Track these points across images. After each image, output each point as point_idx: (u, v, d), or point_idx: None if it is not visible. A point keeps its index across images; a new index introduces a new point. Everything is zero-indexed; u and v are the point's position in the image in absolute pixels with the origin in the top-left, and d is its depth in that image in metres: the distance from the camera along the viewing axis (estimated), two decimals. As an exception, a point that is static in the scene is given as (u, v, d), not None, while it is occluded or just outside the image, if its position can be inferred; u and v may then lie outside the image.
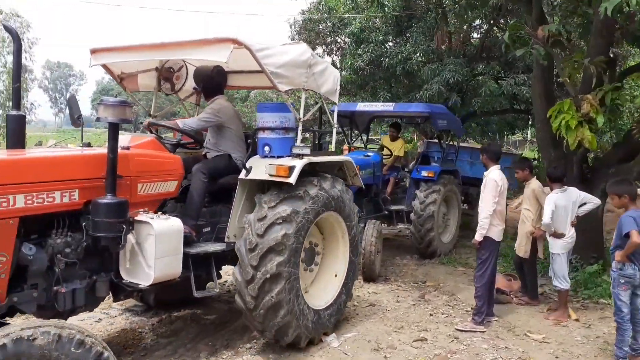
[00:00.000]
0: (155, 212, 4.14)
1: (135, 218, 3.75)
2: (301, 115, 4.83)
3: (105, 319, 5.11)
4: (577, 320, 5.50)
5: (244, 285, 4.24)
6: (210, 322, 5.16)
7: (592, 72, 6.49)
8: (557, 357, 4.52)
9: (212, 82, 5.06)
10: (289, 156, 4.65)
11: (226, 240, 4.57)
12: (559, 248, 5.72)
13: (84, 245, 3.61)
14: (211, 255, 4.47)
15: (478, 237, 5.25)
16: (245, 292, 4.25)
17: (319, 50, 20.67)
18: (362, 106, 8.46)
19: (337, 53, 18.99)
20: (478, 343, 4.79)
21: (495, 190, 5.17)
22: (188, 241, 4.27)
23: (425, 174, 8.20)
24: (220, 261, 4.72)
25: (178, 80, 5.68)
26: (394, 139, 8.79)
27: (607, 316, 5.57)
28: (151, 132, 4.90)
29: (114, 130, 3.59)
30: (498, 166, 5.41)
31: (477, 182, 9.75)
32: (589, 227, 7.25)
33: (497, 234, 5.28)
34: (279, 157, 4.68)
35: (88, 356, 2.90)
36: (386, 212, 8.19)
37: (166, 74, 5.52)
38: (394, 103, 8.67)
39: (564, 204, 5.76)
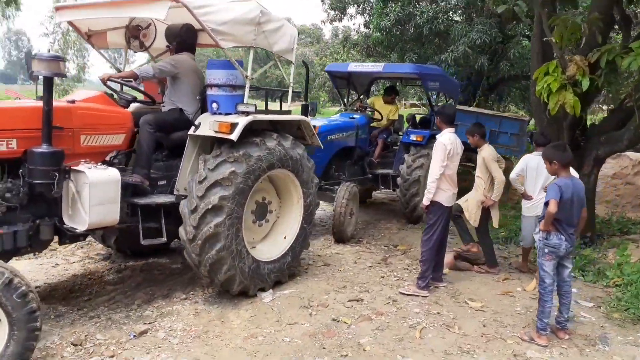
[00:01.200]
0: (103, 163, 4.40)
1: (73, 167, 3.97)
2: (249, 73, 4.87)
3: (62, 265, 5.46)
4: (534, 288, 5.36)
5: (188, 243, 4.46)
6: (161, 273, 5.41)
7: (585, 32, 6.12)
8: (484, 326, 4.45)
9: (181, 39, 5.15)
10: (237, 114, 4.73)
11: (175, 193, 4.76)
12: (526, 210, 5.79)
13: (24, 191, 3.87)
14: (161, 207, 4.65)
15: (425, 201, 5.17)
16: (189, 250, 4.47)
17: (351, 9, 20.28)
18: (354, 66, 8.30)
19: (369, 13, 18.56)
20: (412, 307, 4.79)
21: (444, 154, 5.03)
22: (140, 190, 4.54)
23: (414, 138, 8.04)
24: (175, 212, 4.78)
25: (145, 38, 5.79)
26: (388, 102, 8.60)
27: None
28: (105, 84, 5.06)
29: (48, 83, 3.80)
30: (452, 129, 5.25)
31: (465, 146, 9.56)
32: None
33: (446, 198, 5.16)
34: (227, 114, 4.78)
35: (13, 294, 3.18)
36: (370, 176, 8.12)
37: (134, 32, 5.64)
38: (383, 64, 8.45)
39: (536, 166, 5.65)
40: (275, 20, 5.16)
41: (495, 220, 5.86)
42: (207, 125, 4.69)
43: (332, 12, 20.29)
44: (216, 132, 4.60)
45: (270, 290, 4.95)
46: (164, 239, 4.70)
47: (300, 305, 4.69)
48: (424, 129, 8.39)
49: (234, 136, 4.50)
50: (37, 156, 3.81)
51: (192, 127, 4.79)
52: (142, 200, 4.54)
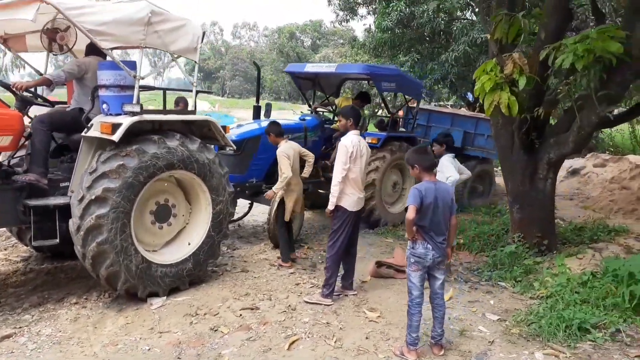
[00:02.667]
0: None
1: None
2: (139, 73, 4.85)
3: None
4: (448, 299, 5.07)
5: (74, 235, 4.49)
6: (67, 276, 5.44)
7: (524, 28, 5.81)
8: (366, 338, 4.21)
9: (90, 42, 5.18)
10: (125, 114, 4.72)
11: (69, 194, 4.77)
12: None
13: None
14: (55, 208, 4.67)
15: (330, 205, 4.98)
16: (75, 241, 4.50)
17: (362, 10, 20.11)
18: (310, 67, 8.16)
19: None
20: (304, 317, 4.61)
21: (346, 157, 4.83)
22: (38, 190, 4.58)
23: (369, 140, 7.80)
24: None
25: (64, 40, 5.85)
26: (359, 106, 8.37)
27: (482, 299, 5.10)
28: (12, 91, 5.15)
29: None
30: (357, 132, 5.04)
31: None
32: (536, 202, 6.58)
33: (350, 203, 4.95)
34: (117, 114, 4.78)
35: None
36: (322, 179, 7.93)
37: (51, 35, 5.66)
38: (336, 64, 8.23)
39: (455, 166, 5.85)
40: (172, 20, 5.10)
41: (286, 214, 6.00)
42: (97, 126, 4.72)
43: (341, 13, 20.21)
44: (101, 132, 4.61)
45: (163, 297, 4.88)
46: (57, 240, 4.70)
47: (186, 313, 4.60)
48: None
49: (115, 137, 4.50)
50: None
51: (85, 129, 4.81)
52: (34, 202, 4.59)
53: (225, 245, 6.90)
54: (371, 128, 10.41)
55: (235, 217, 8.09)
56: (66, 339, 4.07)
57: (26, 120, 5.02)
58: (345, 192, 4.92)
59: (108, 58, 5.09)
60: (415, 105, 8.74)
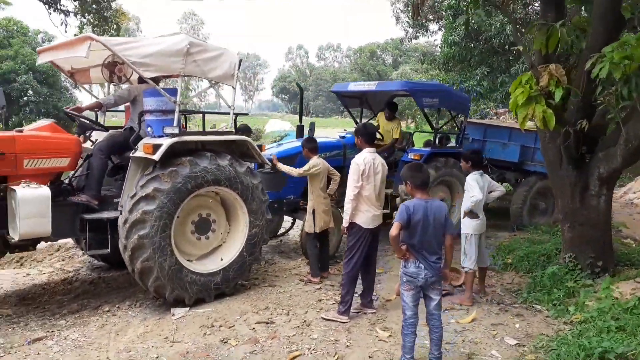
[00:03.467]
0: (52, 183, 5.06)
1: (10, 186, 4.62)
2: (177, 99, 5.22)
3: (33, 274, 6.26)
4: (470, 321, 4.85)
5: (121, 227, 4.93)
6: (108, 285, 5.86)
7: (563, 38, 5.53)
8: (370, 357, 4.14)
9: None
10: (166, 136, 5.12)
11: (119, 209, 5.22)
12: (472, 229, 5.44)
13: None
14: (107, 221, 5.13)
15: (344, 222, 4.99)
16: (120, 233, 4.94)
17: (434, 26, 19.91)
18: (353, 86, 8.24)
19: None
20: (315, 333, 4.61)
21: (357, 174, 4.83)
22: (88, 208, 5.08)
23: (412, 157, 7.69)
24: None
25: (121, 72, 6.44)
26: (388, 119, 8.32)
27: (508, 322, 4.81)
28: (72, 119, 5.75)
29: None
30: (371, 149, 5.02)
31: (513, 166, 8.79)
32: (589, 220, 6.13)
33: (365, 220, 4.92)
34: (159, 136, 5.19)
35: None
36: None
37: (110, 67, 6.29)
38: (377, 82, 8.20)
39: (482, 185, 5.46)
40: (210, 50, 5.48)
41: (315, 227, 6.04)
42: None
43: (411, 30, 20.12)
44: (145, 153, 5.02)
45: (186, 309, 5.11)
46: (108, 250, 5.21)
47: (202, 324, 4.78)
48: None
49: (156, 156, 4.91)
50: None
51: (133, 150, 5.25)
52: (89, 216, 5.10)
53: (264, 259, 7.10)
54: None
55: (280, 232, 8.32)
56: (88, 344, 4.41)
57: (86, 144, 5.59)
58: (360, 209, 4.91)
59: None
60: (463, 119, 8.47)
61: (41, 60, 5.57)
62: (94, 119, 6.06)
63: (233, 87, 5.79)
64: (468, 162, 5.60)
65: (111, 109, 6.28)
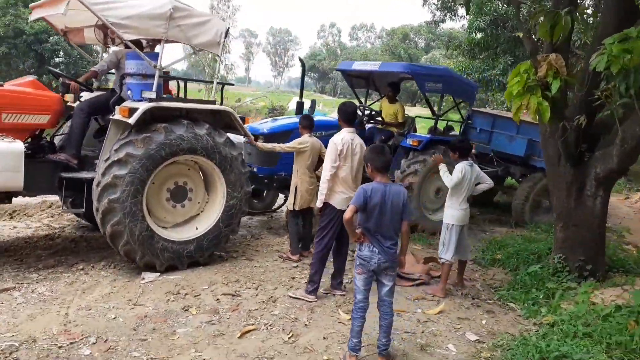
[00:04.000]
0: (32, 140, 5.11)
1: None
2: (159, 64, 5.17)
3: (20, 228, 6.37)
4: (437, 313, 4.76)
5: (94, 189, 4.98)
6: (89, 244, 5.94)
7: (567, 26, 5.28)
8: (325, 338, 4.10)
9: None
10: (144, 101, 5.10)
11: (97, 170, 5.25)
12: (454, 219, 5.32)
13: None
14: (85, 182, 5.18)
15: (318, 203, 4.92)
16: (93, 196, 4.99)
17: (462, 10, 19.35)
18: (357, 65, 8.07)
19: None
20: (277, 309, 4.59)
21: (334, 154, 4.74)
22: (68, 167, 5.12)
23: (410, 142, 7.53)
24: None
25: (114, 34, 6.44)
26: (391, 100, 8.12)
27: (475, 318, 4.70)
28: (56, 77, 5.78)
29: None
30: (350, 129, 4.90)
31: (519, 160, 8.55)
32: (583, 222, 5.94)
33: (339, 201, 4.83)
34: (138, 100, 5.17)
35: None
36: (358, 179, 7.76)
37: (103, 29, 6.30)
38: (380, 62, 7.99)
39: (468, 176, 5.32)
40: (196, 16, 5.38)
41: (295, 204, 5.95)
42: None
43: (438, 13, 19.58)
44: (121, 116, 5.02)
45: (157, 274, 5.15)
46: (82, 209, 5.33)
47: (168, 290, 4.80)
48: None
49: (131, 120, 4.88)
50: None
51: (113, 113, 5.25)
52: (67, 174, 5.16)
53: (250, 233, 7.10)
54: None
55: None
56: (52, 298, 4.48)
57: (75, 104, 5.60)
58: (335, 189, 4.82)
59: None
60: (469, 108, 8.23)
61: (33, 16, 5.57)
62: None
63: (218, 56, 5.70)
64: (455, 151, 5.43)
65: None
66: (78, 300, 4.48)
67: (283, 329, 4.21)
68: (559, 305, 4.86)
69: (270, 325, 4.28)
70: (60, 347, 3.66)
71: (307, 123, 6.00)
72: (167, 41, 5.27)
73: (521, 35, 5.56)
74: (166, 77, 5.85)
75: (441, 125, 8.56)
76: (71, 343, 3.73)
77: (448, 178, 5.26)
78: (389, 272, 3.63)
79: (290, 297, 4.92)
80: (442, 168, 5.42)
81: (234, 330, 4.14)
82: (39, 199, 7.11)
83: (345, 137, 4.81)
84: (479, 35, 15.65)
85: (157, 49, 6.21)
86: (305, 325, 4.34)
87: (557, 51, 5.31)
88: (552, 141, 6.20)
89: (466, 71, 16.05)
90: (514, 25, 14.16)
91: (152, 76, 5.21)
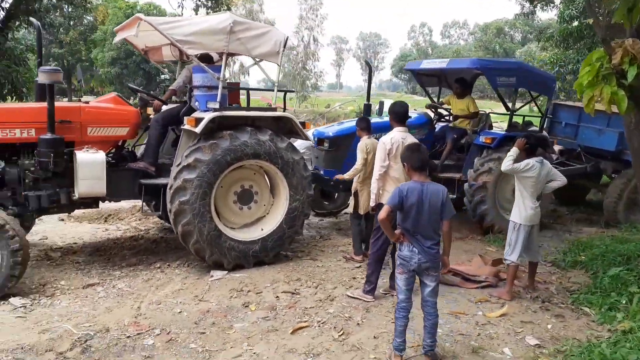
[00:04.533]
0: (114, 149, 5.70)
1: (75, 151, 5.29)
2: (221, 75, 5.52)
3: (111, 230, 7.02)
4: (499, 315, 4.57)
5: (168, 192, 5.40)
6: (168, 245, 6.40)
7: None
8: (375, 337, 4.11)
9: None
10: (209, 110, 5.47)
11: (170, 175, 5.70)
12: (521, 218, 5.07)
13: (37, 167, 5.31)
14: (161, 187, 5.67)
15: (371, 202, 4.94)
16: (167, 198, 5.42)
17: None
18: (425, 63, 7.93)
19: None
20: (332, 308, 4.66)
21: (384, 154, 4.73)
22: (145, 174, 5.66)
23: (483, 140, 7.26)
24: None
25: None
26: (460, 96, 7.85)
27: (540, 322, 4.45)
28: (135, 93, 6.34)
29: (49, 89, 5.11)
30: (402, 128, 4.86)
31: (610, 155, 7.95)
32: None
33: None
34: (205, 111, 5.57)
35: (3, 235, 4.57)
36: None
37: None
38: (449, 59, 7.75)
39: (536, 173, 5.02)
40: (255, 28, 5.67)
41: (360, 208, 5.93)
42: None
43: (528, 5, 18.62)
44: (188, 126, 5.41)
45: (224, 272, 5.45)
46: (159, 212, 5.82)
47: (232, 288, 5.07)
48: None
49: (198, 129, 5.26)
50: (41, 141, 5.16)
51: (184, 123, 5.67)
52: (145, 181, 5.67)
53: (320, 234, 7.25)
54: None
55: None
56: (129, 293, 4.93)
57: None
58: (387, 189, 4.81)
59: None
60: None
61: (117, 39, 6.15)
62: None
63: (278, 65, 5.91)
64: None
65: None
66: (151, 296, 4.88)
67: (335, 327, 4.28)
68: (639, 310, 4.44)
69: (323, 322, 4.37)
70: (128, 337, 4.02)
71: (365, 125, 6.01)
72: (230, 54, 5.57)
73: (591, 21, 5.17)
74: (229, 87, 6.16)
75: (520, 120, 8.15)
76: (138, 334, 4.08)
77: (509, 161, 4.99)
78: (431, 273, 3.57)
79: (348, 296, 4.97)
80: (513, 151, 5.14)
81: (287, 327, 4.28)
82: (130, 204, 7.80)
83: (395, 136, 4.79)
84: (573, 24, 14.64)
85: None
86: (358, 324, 4.37)
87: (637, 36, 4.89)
88: (637, 133, 5.69)
89: (559, 63, 15.08)
90: (610, 11, 13.08)
91: (217, 87, 5.53)
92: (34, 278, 5.20)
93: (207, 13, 17.75)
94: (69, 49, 35.99)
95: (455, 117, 7.76)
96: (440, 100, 8.49)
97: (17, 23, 14.97)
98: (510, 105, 7.43)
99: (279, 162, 5.61)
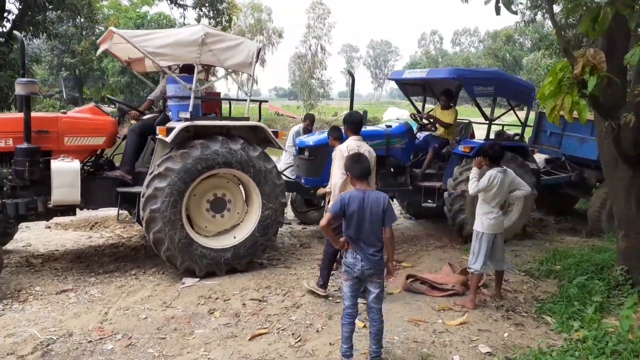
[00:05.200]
0: (94, 158, 5.86)
1: (52, 160, 5.44)
2: (193, 86, 5.67)
3: (94, 238, 7.18)
4: (458, 324, 4.62)
5: (141, 200, 5.52)
6: (147, 253, 6.53)
7: (606, 18, 5.00)
8: (331, 344, 4.18)
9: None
10: (179, 120, 5.61)
11: (145, 185, 5.84)
12: (484, 227, 5.12)
13: (14, 175, 5.46)
14: (137, 195, 5.81)
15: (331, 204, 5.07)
16: (139, 205, 5.55)
17: (557, 7, 18.19)
18: (407, 73, 8.02)
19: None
20: (296, 315, 4.75)
21: (341, 161, 4.83)
22: (122, 182, 5.81)
23: (462, 149, 7.32)
24: None
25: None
26: (444, 107, 7.94)
27: (498, 330, 4.50)
28: (113, 104, 6.51)
29: (26, 100, 5.28)
30: (357, 137, 5.05)
31: (593, 164, 7.96)
32: None
33: None
34: (178, 120, 5.71)
35: None
36: (409, 188, 7.67)
37: None
38: (428, 69, 7.83)
39: (499, 182, 5.09)
40: (227, 40, 5.81)
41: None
42: None
43: (528, 12, 18.60)
44: (161, 135, 5.56)
45: (196, 279, 5.56)
46: (135, 221, 5.98)
47: (201, 295, 5.18)
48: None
49: (168, 139, 5.40)
50: (18, 150, 5.32)
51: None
52: (122, 189, 5.81)
53: (300, 242, 7.35)
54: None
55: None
56: (99, 299, 5.06)
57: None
58: None
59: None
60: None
61: (99, 52, 6.33)
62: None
63: (250, 75, 6.05)
64: (485, 157, 5.22)
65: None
66: (120, 302, 5.01)
67: (293, 334, 4.37)
68: (599, 320, 4.47)
69: (282, 329, 4.46)
70: (90, 342, 4.15)
71: (337, 134, 6.10)
72: (202, 65, 5.71)
73: (554, 32, 5.24)
74: (203, 98, 6.28)
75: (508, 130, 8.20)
76: (100, 339, 4.21)
77: (473, 184, 5.09)
78: (374, 279, 3.65)
79: (306, 286, 5.21)
80: (473, 172, 5.24)
81: (247, 333, 4.38)
82: (116, 212, 7.95)
83: (350, 144, 4.93)
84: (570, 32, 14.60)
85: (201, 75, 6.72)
86: (317, 331, 4.46)
87: (611, 49, 4.97)
88: (607, 142, 5.73)
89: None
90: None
91: (188, 98, 5.67)
92: (11, 284, 5.35)
93: (210, 23, 18.01)
94: (81, 58, 36.55)
95: (434, 127, 7.85)
96: (428, 111, 8.57)
97: (23, 34, 15.42)
98: (489, 114, 7.48)
99: (251, 170, 5.72)
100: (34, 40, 17.39)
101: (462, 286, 5.46)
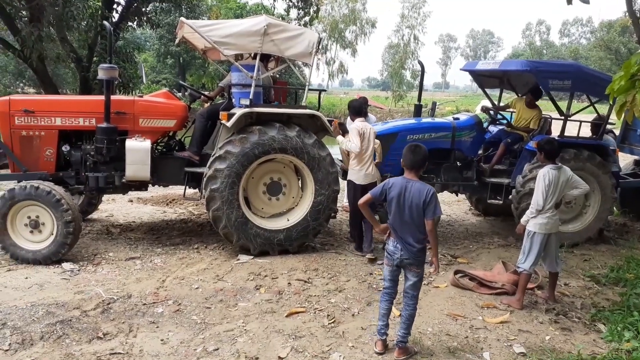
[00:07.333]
0: (167, 139, 6.40)
1: (127, 139, 6.02)
2: (254, 74, 5.94)
3: (168, 213, 7.75)
4: (499, 322, 4.51)
5: (204, 200, 5.96)
6: (211, 229, 6.92)
7: None
8: (363, 329, 4.27)
9: None
10: (241, 107, 5.95)
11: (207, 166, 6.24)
12: (537, 227, 4.91)
13: (95, 152, 6.09)
14: (201, 175, 6.25)
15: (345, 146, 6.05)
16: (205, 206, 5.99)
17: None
18: (481, 64, 7.73)
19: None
20: (335, 298, 4.89)
21: (357, 137, 5.81)
22: (190, 162, 6.31)
23: (533, 145, 6.96)
24: None
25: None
26: (529, 105, 7.56)
27: (540, 333, 4.32)
28: (182, 90, 6.99)
29: (107, 84, 5.87)
30: (361, 119, 6.06)
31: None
32: None
33: (355, 177, 5.98)
34: (240, 107, 6.05)
35: (58, 208, 5.46)
36: (475, 184, 7.41)
37: None
38: (502, 61, 7.45)
39: (553, 180, 4.87)
40: (289, 30, 6.01)
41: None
42: None
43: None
44: (223, 120, 5.92)
45: (250, 257, 5.88)
46: (199, 199, 6.45)
47: (251, 271, 5.48)
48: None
49: (229, 124, 5.74)
50: (98, 130, 5.92)
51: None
52: (189, 169, 6.29)
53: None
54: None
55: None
56: (160, 268, 5.53)
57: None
58: (352, 167, 6.04)
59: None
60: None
61: (177, 40, 6.82)
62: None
63: (310, 65, 6.19)
64: (541, 152, 4.98)
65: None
66: (179, 272, 5.44)
67: (328, 315, 4.51)
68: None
69: (320, 310, 4.62)
70: (144, 304, 4.58)
71: (353, 110, 6.22)
72: (264, 54, 5.97)
73: (629, 23, 4.84)
74: (262, 85, 6.50)
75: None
76: (154, 302, 4.63)
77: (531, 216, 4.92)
78: (413, 269, 3.69)
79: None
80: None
81: (285, 310, 4.59)
82: (190, 191, 8.52)
83: (358, 124, 5.92)
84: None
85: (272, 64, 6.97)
86: (353, 315, 4.56)
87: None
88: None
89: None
90: None
91: (249, 86, 5.94)
92: (89, 249, 6.01)
93: (298, 13, 18.40)
94: (185, 47, 38.97)
95: (509, 126, 7.54)
96: (507, 103, 8.24)
97: (129, 24, 16.79)
98: (565, 110, 7.03)
99: (305, 157, 5.90)
100: (144, 29, 18.81)
101: (513, 285, 5.27)
